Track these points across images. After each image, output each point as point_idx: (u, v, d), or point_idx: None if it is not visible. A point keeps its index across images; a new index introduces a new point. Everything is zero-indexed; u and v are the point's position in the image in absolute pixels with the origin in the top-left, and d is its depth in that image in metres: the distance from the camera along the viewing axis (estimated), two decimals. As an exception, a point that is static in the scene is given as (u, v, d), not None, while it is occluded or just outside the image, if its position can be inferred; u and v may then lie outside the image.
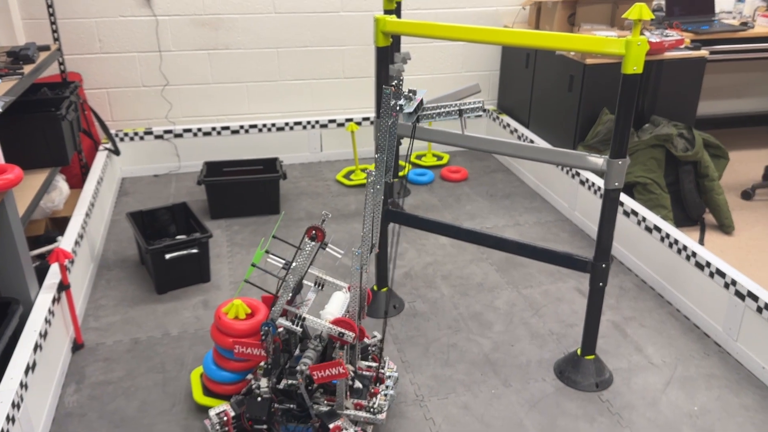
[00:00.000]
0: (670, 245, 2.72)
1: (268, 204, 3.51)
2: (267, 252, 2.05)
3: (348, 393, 1.99)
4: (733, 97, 4.88)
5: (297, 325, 1.92)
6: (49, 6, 3.31)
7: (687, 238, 2.69)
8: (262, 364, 2.03)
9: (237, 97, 4.05)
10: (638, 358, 2.43)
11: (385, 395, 2.01)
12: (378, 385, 2.04)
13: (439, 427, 2.09)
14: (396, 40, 3.16)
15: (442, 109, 2.08)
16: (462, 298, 2.79)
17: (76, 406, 2.18)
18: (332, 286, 2.11)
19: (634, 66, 1.88)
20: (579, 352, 2.31)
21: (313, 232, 1.91)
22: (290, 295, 1.95)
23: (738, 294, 2.36)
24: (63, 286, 2.37)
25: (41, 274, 2.39)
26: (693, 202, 3.38)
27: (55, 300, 2.31)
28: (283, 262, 2.01)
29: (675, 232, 2.74)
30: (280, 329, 1.98)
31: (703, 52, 3.46)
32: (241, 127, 4.07)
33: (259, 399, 1.92)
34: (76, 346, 2.46)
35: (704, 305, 2.56)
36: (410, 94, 1.92)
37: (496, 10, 4.19)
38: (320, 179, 4.00)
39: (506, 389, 2.26)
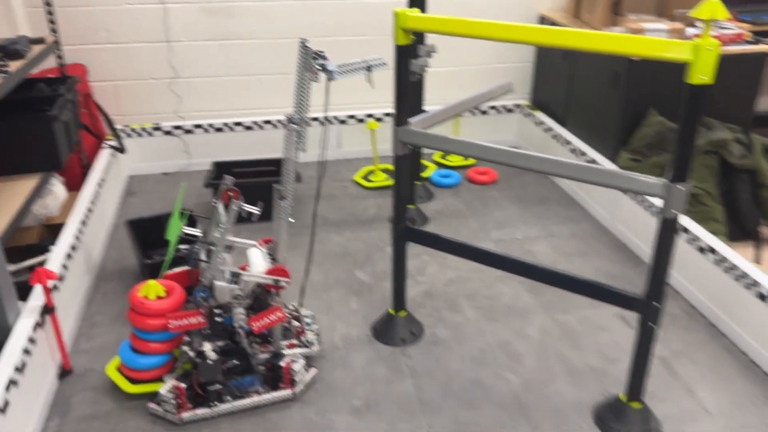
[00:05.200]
0: (727, 270, 2.40)
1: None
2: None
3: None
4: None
5: (234, 283, 2.02)
6: (46, -5, 3.07)
7: (745, 262, 2.37)
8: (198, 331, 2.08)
9: (250, 90, 3.79)
10: (690, 403, 2.13)
11: (311, 330, 2.27)
12: (299, 323, 2.26)
13: (460, 486, 1.83)
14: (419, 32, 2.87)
15: (353, 66, 2.04)
16: (488, 323, 2.51)
17: (56, 447, 1.97)
18: (242, 246, 2.19)
19: (702, 75, 1.57)
20: (623, 397, 2.02)
21: (229, 194, 2.07)
22: (224, 258, 2.07)
23: (809, 334, 2.05)
24: (47, 309, 2.15)
25: (29, 289, 2.18)
26: (749, 215, 3.04)
27: (39, 325, 2.09)
28: (200, 233, 2.13)
29: (732, 255, 2.42)
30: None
31: (764, 47, 3.09)
32: (255, 122, 3.81)
33: (210, 362, 2.01)
34: (64, 372, 2.25)
35: (764, 339, 2.25)
36: (321, 53, 1.95)
37: (531, -3, 3.85)
38: (337, 179, 3.73)
39: (538, 439, 1.99)
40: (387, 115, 3.94)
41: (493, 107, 4.06)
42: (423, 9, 2.96)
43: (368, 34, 3.76)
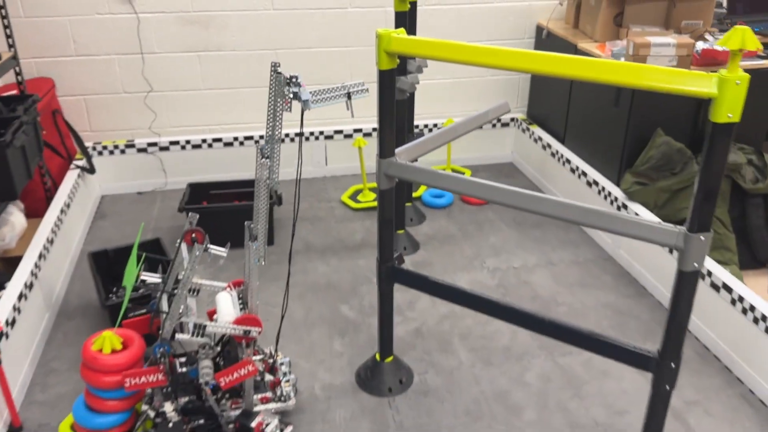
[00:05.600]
0: (744, 311, 2.20)
1: (260, 234, 3.03)
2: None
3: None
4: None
5: (198, 336, 1.81)
6: (1, 7, 2.83)
7: (763, 302, 2.17)
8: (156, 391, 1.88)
9: (230, 105, 3.57)
10: (707, 465, 1.93)
11: (288, 381, 2.04)
12: (274, 374, 2.04)
13: None
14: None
15: (330, 94, 1.82)
16: (484, 368, 2.30)
17: None
18: (209, 289, 1.96)
19: (729, 113, 1.36)
20: (633, 462, 1.82)
21: (193, 235, 1.81)
22: (188, 306, 1.88)
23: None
24: (-8, 362, 1.93)
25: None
26: (762, 242, 2.84)
27: (-19, 382, 1.87)
28: (159, 277, 1.96)
29: (748, 294, 2.21)
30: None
31: (779, 61, 2.89)
32: (235, 138, 3.59)
33: (170, 425, 1.84)
34: (13, 430, 2.03)
35: (788, 392, 2.05)
36: (294, 79, 1.72)
37: (529, 6, 3.64)
38: (323, 200, 3.51)
39: None
40: (375, 130, 3.71)
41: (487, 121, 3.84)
42: (414, 22, 2.74)
43: (354, 45, 3.55)
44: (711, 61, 2.79)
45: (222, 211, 2.96)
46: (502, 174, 3.81)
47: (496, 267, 2.90)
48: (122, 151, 3.50)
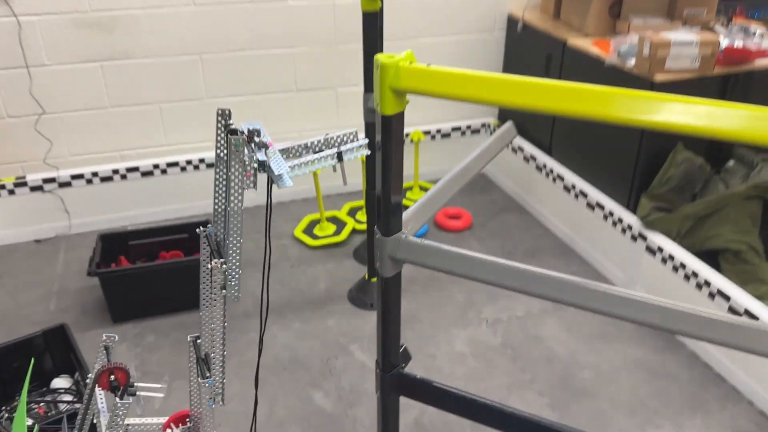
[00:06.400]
0: (825, 380, 1.78)
1: (196, 292, 2.39)
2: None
3: None
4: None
5: None
6: None
7: None
8: None
9: (146, 124, 2.88)
10: None
11: None
12: None
13: None
14: (372, 38, 2.08)
15: (313, 156, 1.22)
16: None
17: None
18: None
19: None
20: None
21: (111, 376, 1.23)
22: None
23: None
24: None
25: None
26: (793, 267, 2.46)
27: None
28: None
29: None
30: None
31: (804, 57, 2.49)
32: (156, 166, 2.91)
33: None
34: None
35: None
36: (256, 136, 1.14)
37: (500, -7, 3.11)
38: (273, 236, 2.89)
39: None
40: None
41: (456, 128, 3.32)
42: (382, 25, 2.15)
43: (300, 45, 2.92)
44: (736, 60, 2.36)
45: (149, 273, 2.31)
46: (477, 189, 3.30)
47: (497, 318, 2.40)
48: (11, 192, 2.75)
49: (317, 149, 1.23)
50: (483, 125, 3.38)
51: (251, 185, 1.11)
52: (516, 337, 2.31)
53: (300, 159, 1.15)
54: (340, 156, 1.19)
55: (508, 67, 3.25)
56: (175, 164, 2.92)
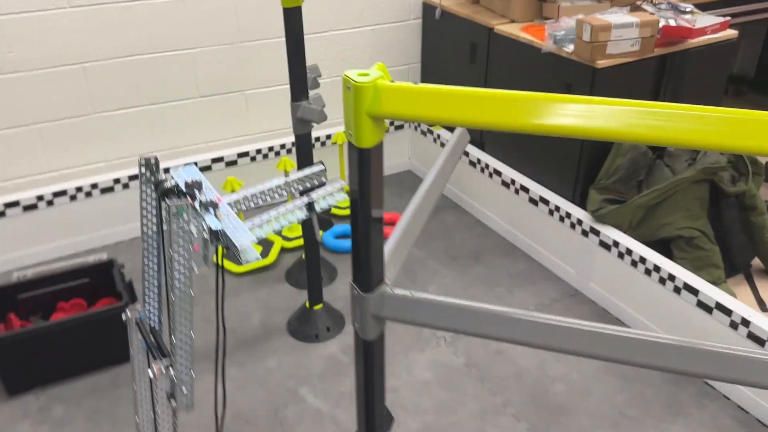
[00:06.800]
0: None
1: (109, 347, 2.03)
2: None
3: None
4: None
5: None
6: None
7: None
8: None
9: (22, 150, 2.44)
10: None
11: None
12: None
13: None
14: (297, 35, 1.80)
15: (280, 210, 0.95)
16: None
17: None
18: None
19: None
20: None
21: None
22: None
23: None
24: None
25: None
26: (737, 245, 2.45)
27: None
28: None
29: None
30: None
31: (731, 32, 2.46)
32: (40, 198, 2.47)
33: None
34: None
35: None
36: (199, 193, 0.87)
37: (412, -23, 2.89)
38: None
39: None
40: (242, 156, 2.79)
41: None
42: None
43: (201, 45, 2.57)
44: (672, 40, 2.27)
45: (48, 332, 1.93)
46: (404, 187, 3.09)
47: (455, 335, 2.21)
48: None
49: (276, 196, 0.96)
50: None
51: (205, 263, 0.83)
52: (478, 354, 2.13)
53: (261, 217, 0.87)
54: (311, 206, 0.92)
55: (427, 56, 3.05)
56: (63, 193, 2.50)
